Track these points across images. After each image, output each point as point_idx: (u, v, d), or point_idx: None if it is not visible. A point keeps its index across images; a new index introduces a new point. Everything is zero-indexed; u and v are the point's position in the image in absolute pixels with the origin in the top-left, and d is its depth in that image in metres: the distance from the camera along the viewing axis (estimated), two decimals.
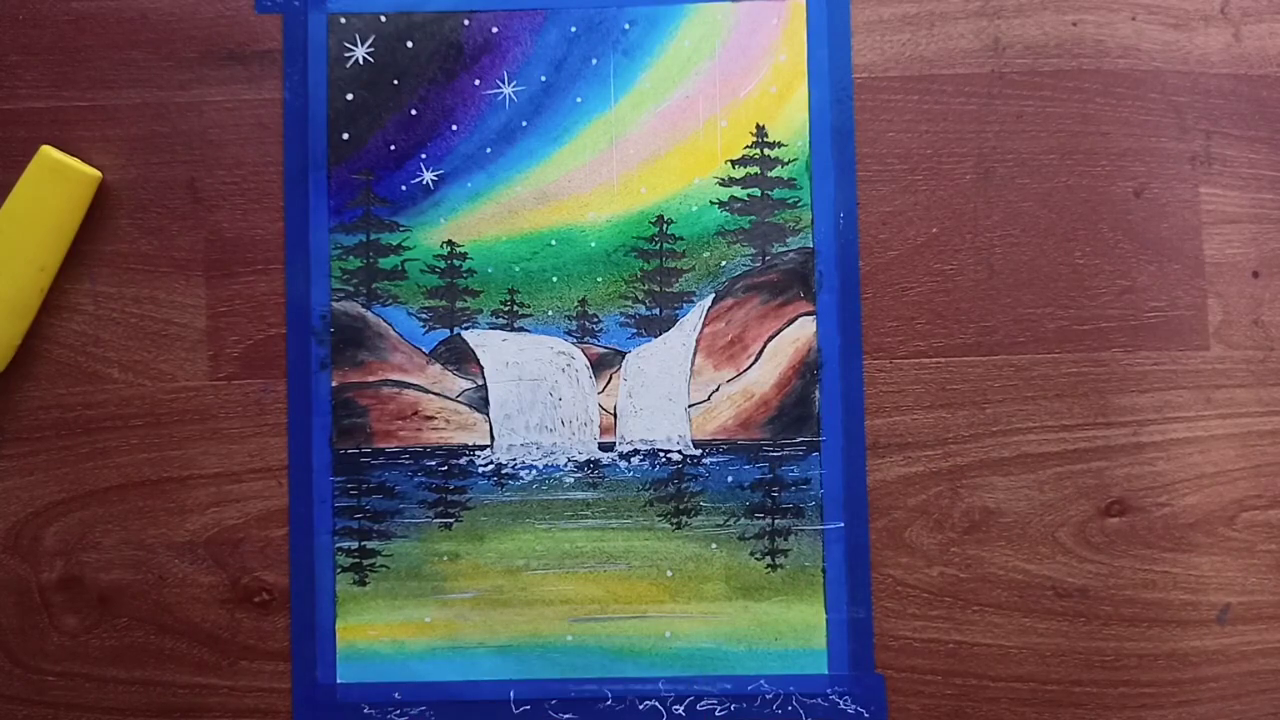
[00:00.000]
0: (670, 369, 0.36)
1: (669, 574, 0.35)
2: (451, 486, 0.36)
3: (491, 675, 0.35)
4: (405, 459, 0.36)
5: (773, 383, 0.36)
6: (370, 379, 0.36)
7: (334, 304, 0.36)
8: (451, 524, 0.36)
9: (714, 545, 0.35)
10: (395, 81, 0.37)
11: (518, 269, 0.36)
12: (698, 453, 0.36)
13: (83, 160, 0.36)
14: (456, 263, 0.36)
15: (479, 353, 0.36)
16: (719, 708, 0.35)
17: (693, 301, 0.36)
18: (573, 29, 0.37)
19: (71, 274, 0.36)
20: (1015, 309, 0.36)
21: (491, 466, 0.36)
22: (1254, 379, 0.36)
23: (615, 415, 0.36)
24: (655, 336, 0.36)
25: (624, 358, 0.36)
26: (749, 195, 0.36)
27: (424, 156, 0.36)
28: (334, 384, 0.36)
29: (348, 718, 0.35)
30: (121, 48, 0.37)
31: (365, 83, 0.37)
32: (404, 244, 0.36)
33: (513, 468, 0.36)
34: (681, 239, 0.36)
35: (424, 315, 0.36)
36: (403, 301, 0.36)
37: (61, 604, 0.36)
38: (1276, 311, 0.36)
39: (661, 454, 0.36)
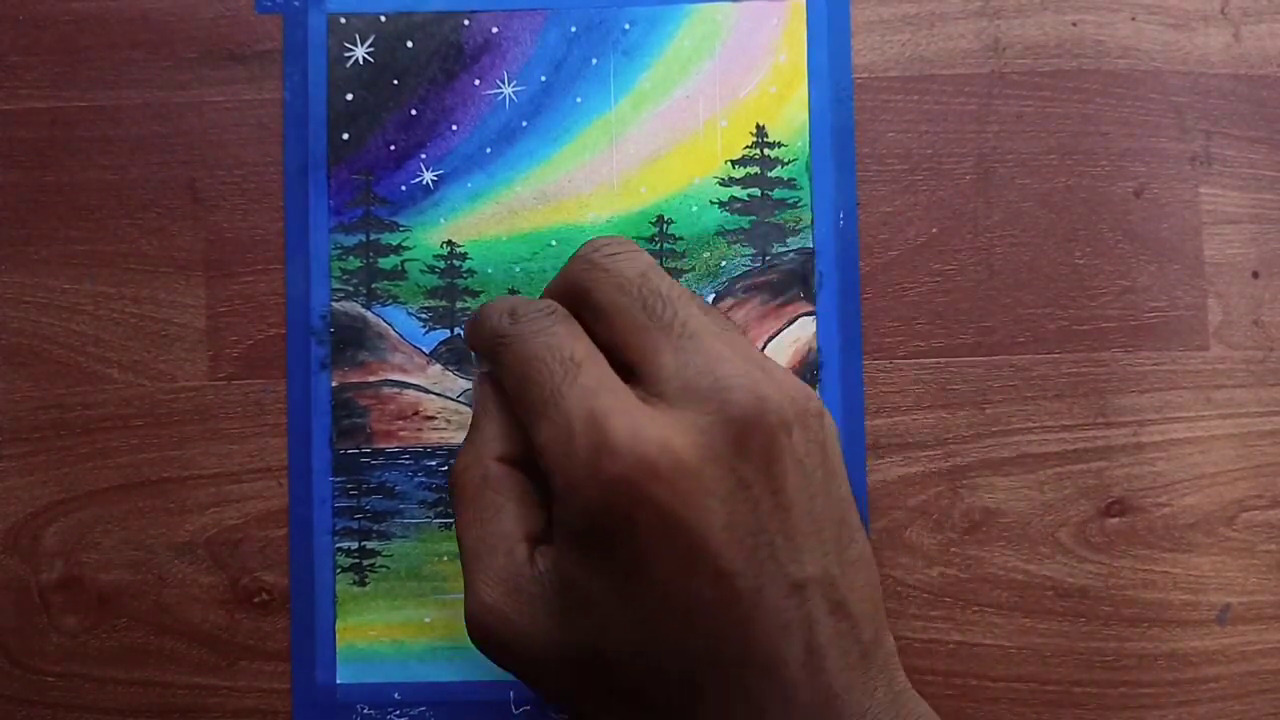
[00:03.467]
0: None
1: None
2: None
3: (491, 675, 0.35)
4: (405, 459, 0.36)
5: None
6: (370, 379, 0.36)
7: (334, 304, 0.36)
8: (452, 524, 0.36)
9: None
10: (395, 81, 0.37)
11: (518, 269, 0.36)
12: None
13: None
14: (456, 263, 0.36)
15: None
16: None
17: None
18: (573, 29, 0.37)
19: (71, 274, 0.36)
20: (1015, 309, 0.36)
21: None
22: (1254, 379, 0.36)
23: None
24: None
25: None
26: (749, 195, 0.36)
27: (424, 156, 0.36)
28: (334, 384, 0.36)
29: (347, 718, 0.35)
30: (121, 48, 0.37)
31: (365, 83, 0.37)
32: (404, 244, 0.36)
33: None
34: (682, 239, 0.36)
35: (424, 315, 0.36)
36: (403, 301, 0.36)
37: (61, 604, 0.36)
38: (1276, 312, 0.36)
39: None
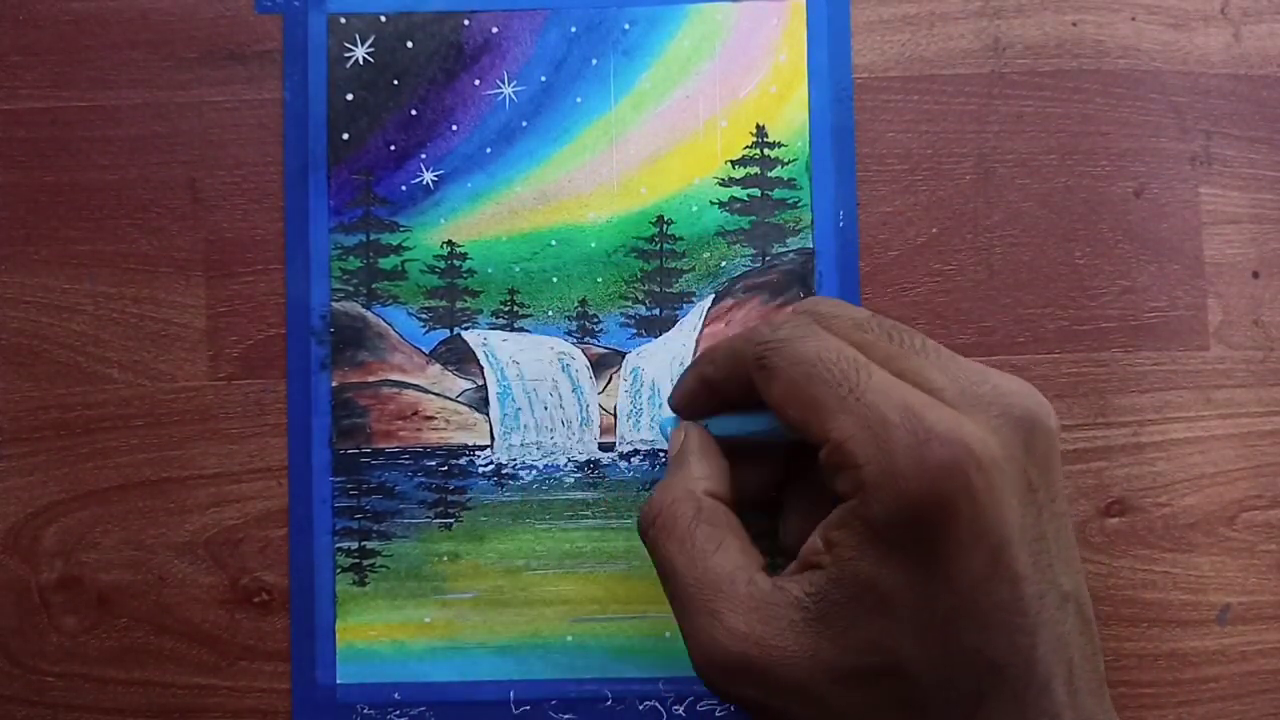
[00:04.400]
0: (670, 369, 0.36)
1: None
2: (451, 486, 0.36)
3: (491, 675, 0.35)
4: (405, 459, 0.36)
5: None
6: (370, 379, 0.36)
7: (334, 304, 0.36)
8: (451, 524, 0.36)
9: None
10: (395, 81, 0.37)
11: (518, 269, 0.36)
12: None
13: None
14: (456, 263, 0.36)
15: (479, 353, 0.36)
16: (719, 708, 0.35)
17: (693, 302, 0.36)
18: (573, 29, 0.37)
19: (71, 274, 0.36)
20: (1015, 309, 0.36)
21: (491, 466, 0.36)
22: (1254, 379, 0.36)
23: (615, 415, 0.36)
24: (655, 337, 0.36)
25: (624, 358, 0.36)
26: (749, 195, 0.36)
27: (424, 156, 0.36)
28: (334, 384, 0.36)
29: (347, 718, 0.35)
30: (121, 48, 0.37)
31: (365, 83, 0.37)
32: (404, 244, 0.36)
33: (513, 468, 0.36)
34: (681, 239, 0.36)
35: (424, 315, 0.36)
36: (403, 301, 0.36)
37: (61, 604, 0.36)
38: (1276, 311, 0.36)
39: (662, 454, 0.36)
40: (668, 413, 0.32)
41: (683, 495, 0.28)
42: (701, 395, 0.30)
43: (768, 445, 0.29)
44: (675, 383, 0.31)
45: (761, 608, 0.25)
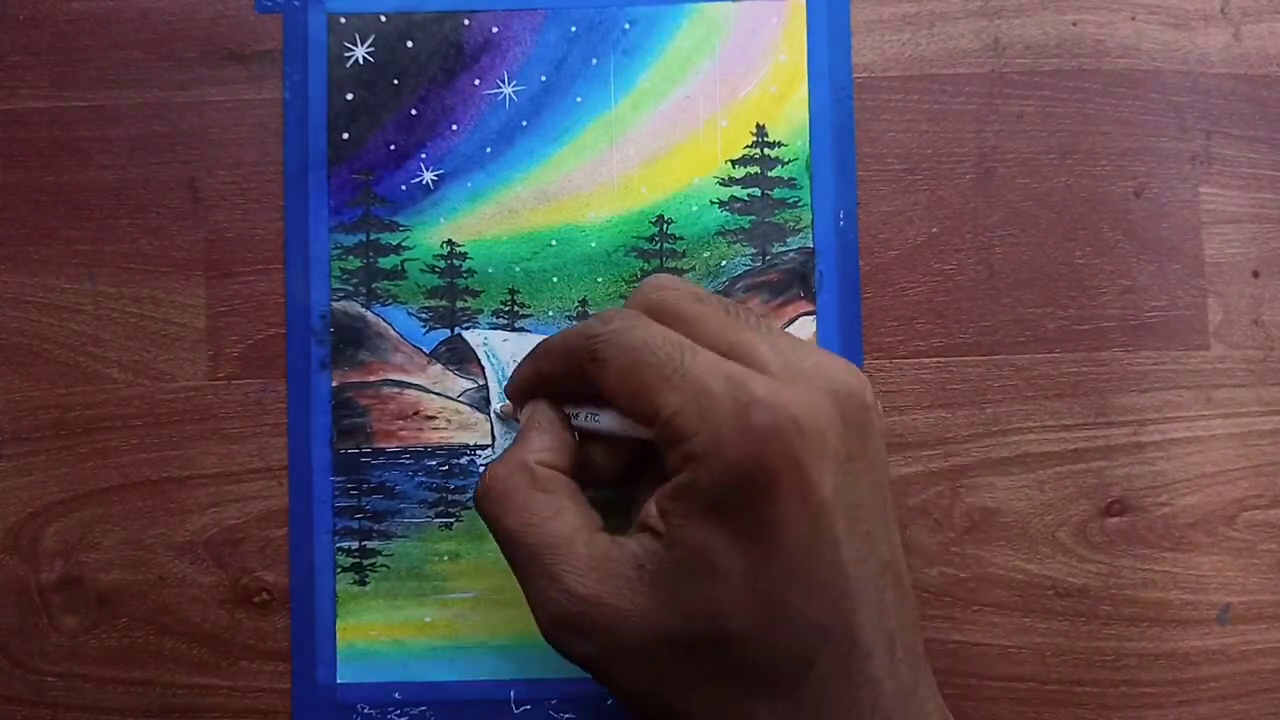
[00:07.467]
0: None
1: None
2: (452, 486, 0.36)
3: (492, 675, 0.35)
4: (406, 459, 0.36)
5: None
6: (370, 379, 0.36)
7: (334, 304, 0.36)
8: (452, 524, 0.36)
9: None
10: (395, 81, 0.37)
11: (518, 269, 0.36)
12: None
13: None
14: (456, 262, 0.36)
15: (480, 353, 0.36)
16: None
17: None
18: (573, 29, 0.37)
19: (71, 274, 0.36)
20: (1015, 309, 0.36)
21: None
22: (1254, 379, 0.36)
23: None
24: None
25: None
26: (749, 195, 0.36)
27: (424, 156, 0.36)
28: (334, 384, 0.36)
29: (347, 718, 0.35)
30: (121, 48, 0.37)
31: (365, 82, 0.37)
32: (404, 244, 0.36)
33: None
34: (681, 239, 0.36)
35: (424, 315, 0.36)
36: (403, 301, 0.36)
37: (61, 604, 0.36)
38: (1277, 311, 0.36)
39: None
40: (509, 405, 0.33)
41: (517, 466, 0.29)
42: (540, 389, 0.31)
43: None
44: (511, 374, 0.32)
45: (600, 566, 0.26)
